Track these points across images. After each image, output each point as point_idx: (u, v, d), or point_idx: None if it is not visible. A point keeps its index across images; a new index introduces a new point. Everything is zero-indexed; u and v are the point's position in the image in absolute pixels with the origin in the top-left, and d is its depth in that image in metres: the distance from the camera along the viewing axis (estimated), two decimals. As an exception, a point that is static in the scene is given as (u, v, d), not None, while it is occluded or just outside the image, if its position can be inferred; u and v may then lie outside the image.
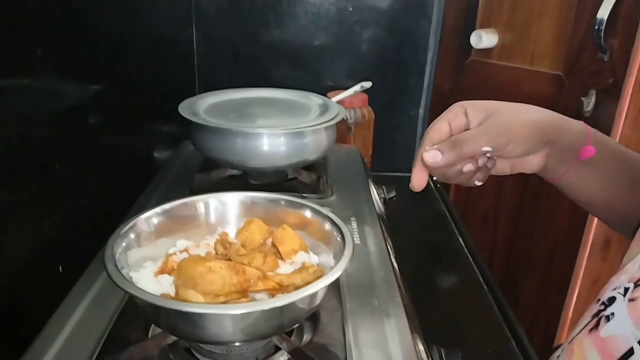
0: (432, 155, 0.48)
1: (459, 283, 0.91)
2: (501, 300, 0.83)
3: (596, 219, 1.19)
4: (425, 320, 0.62)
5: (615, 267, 1.23)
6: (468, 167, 0.50)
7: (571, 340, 0.45)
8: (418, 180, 0.51)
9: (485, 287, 0.87)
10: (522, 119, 0.49)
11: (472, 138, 0.48)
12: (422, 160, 0.49)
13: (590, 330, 0.43)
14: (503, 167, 0.54)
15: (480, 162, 0.51)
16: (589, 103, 1.10)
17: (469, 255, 0.96)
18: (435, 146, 0.49)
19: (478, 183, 0.53)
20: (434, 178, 0.53)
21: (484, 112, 0.50)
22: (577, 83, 1.14)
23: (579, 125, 0.53)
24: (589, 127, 0.53)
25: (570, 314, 1.26)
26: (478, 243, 1.01)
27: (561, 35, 1.18)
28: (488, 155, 0.50)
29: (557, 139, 0.51)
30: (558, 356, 0.46)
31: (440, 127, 0.51)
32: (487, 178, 0.54)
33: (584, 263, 1.22)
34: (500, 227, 1.37)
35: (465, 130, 0.50)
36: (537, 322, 1.29)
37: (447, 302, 0.85)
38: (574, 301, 1.24)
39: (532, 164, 0.53)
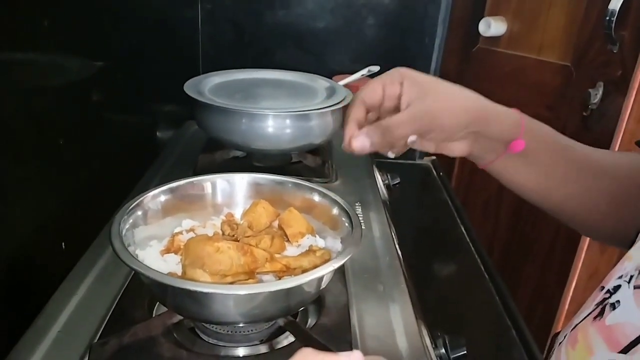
0: (360, 146, 0.49)
1: (460, 271, 0.91)
2: (502, 289, 0.83)
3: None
4: (427, 307, 0.62)
5: (613, 259, 1.24)
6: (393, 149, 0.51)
7: (574, 328, 0.45)
8: (348, 137, 0.50)
9: (486, 275, 0.87)
10: (450, 106, 0.49)
11: (399, 125, 0.48)
12: (350, 143, 0.50)
13: (595, 318, 0.42)
14: (427, 147, 0.54)
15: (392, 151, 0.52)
16: (596, 95, 1.09)
17: (470, 243, 0.96)
18: (365, 130, 0.49)
19: (391, 155, 0.52)
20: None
21: (416, 90, 0.49)
22: (585, 74, 1.14)
23: (510, 117, 0.51)
24: (524, 118, 0.52)
25: (567, 305, 1.26)
26: (478, 231, 1.01)
27: (571, 25, 1.17)
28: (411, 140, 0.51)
29: (482, 130, 0.51)
30: (560, 343, 0.46)
31: (375, 88, 0.50)
32: (403, 152, 0.53)
33: (583, 254, 1.22)
34: (502, 215, 1.37)
35: (397, 99, 0.50)
36: (535, 311, 1.30)
37: (448, 290, 0.85)
38: (571, 292, 1.25)
39: (455, 150, 0.53)
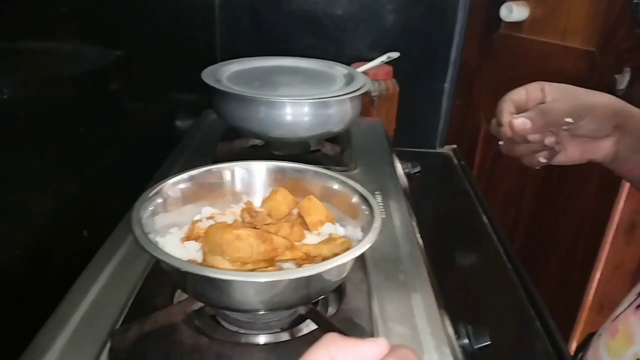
0: (521, 122, 0.51)
1: (482, 260, 0.90)
2: (525, 280, 0.81)
3: (622, 201, 1.16)
4: (449, 296, 0.61)
5: (638, 251, 1.21)
6: (550, 139, 0.53)
7: (615, 319, 0.44)
8: (507, 122, 0.53)
9: (509, 265, 0.85)
10: (594, 99, 0.53)
11: (557, 108, 0.52)
12: (511, 125, 0.53)
13: (638, 307, 0.42)
14: (573, 154, 0.56)
15: (548, 141, 0.54)
16: (623, 81, 1.06)
17: (492, 232, 0.95)
18: (523, 115, 0.52)
19: (543, 160, 0.56)
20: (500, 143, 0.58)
21: (559, 91, 0.54)
22: (610, 60, 1.10)
23: None
24: None
25: (591, 297, 1.24)
26: (500, 221, 1.00)
27: (595, 9, 1.14)
28: (565, 128, 0.53)
29: (627, 124, 0.53)
30: (599, 335, 0.45)
31: (519, 90, 0.55)
32: (552, 159, 0.56)
33: (608, 246, 1.19)
34: (524, 205, 1.35)
35: (539, 104, 0.54)
36: (557, 303, 1.27)
37: (470, 279, 0.84)
38: (595, 284, 1.23)
39: (602, 148, 0.55)
